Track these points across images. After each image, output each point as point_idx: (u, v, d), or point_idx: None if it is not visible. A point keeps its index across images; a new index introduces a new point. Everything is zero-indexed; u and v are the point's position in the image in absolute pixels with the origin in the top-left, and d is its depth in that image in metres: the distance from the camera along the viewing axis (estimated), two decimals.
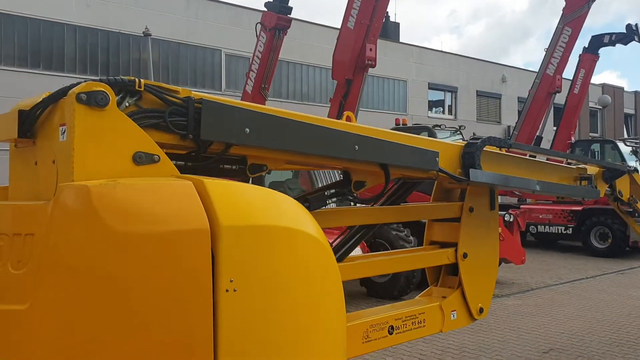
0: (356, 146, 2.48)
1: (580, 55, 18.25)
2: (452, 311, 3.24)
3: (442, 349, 6.43)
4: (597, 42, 17.90)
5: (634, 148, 16.56)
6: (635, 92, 41.14)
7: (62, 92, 1.80)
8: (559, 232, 15.52)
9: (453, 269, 3.37)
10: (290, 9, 15.09)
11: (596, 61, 18.18)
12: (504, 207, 12.95)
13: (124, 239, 1.54)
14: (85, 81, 1.80)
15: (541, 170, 3.72)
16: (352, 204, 3.21)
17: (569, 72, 18.32)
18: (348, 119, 2.73)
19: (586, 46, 18.19)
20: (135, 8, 20.05)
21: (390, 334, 2.88)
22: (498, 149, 3.35)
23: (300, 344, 1.80)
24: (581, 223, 15.01)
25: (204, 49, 21.99)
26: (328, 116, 12.90)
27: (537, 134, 17.03)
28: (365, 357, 5.84)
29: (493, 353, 6.40)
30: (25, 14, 18.17)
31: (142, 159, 1.80)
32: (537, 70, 17.54)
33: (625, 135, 36.54)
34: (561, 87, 16.68)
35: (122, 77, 1.86)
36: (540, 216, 15.73)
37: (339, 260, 2.81)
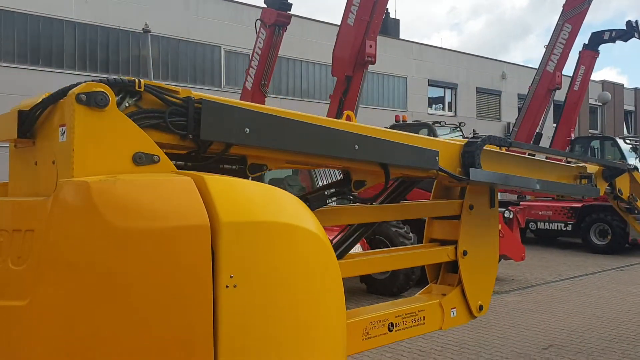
0: (356, 146, 2.48)
1: (580, 52, 18.25)
2: (451, 309, 3.24)
3: (441, 346, 6.44)
4: (597, 38, 17.89)
5: (633, 145, 16.56)
6: (635, 89, 41.12)
7: (62, 93, 1.80)
8: (559, 228, 15.53)
9: (453, 267, 3.37)
10: (290, 5, 15.08)
11: (596, 58, 18.18)
12: (504, 204, 12.95)
13: (124, 235, 1.54)
14: (85, 80, 1.80)
15: (541, 169, 3.72)
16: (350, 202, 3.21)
17: (569, 68, 18.35)
18: (348, 118, 2.73)
19: (586, 43, 18.19)
20: (134, 5, 20.03)
21: (390, 331, 2.88)
22: (498, 147, 3.35)
23: (300, 340, 1.80)
24: (581, 220, 15.03)
25: (204, 46, 21.96)
26: (328, 112, 12.94)
27: (537, 130, 17.05)
28: (364, 354, 5.86)
29: (493, 349, 6.41)
30: (25, 11, 18.15)
31: (142, 159, 1.80)
32: (537, 67, 17.54)
33: (625, 132, 36.55)
34: (561, 84, 16.69)
35: (121, 77, 1.86)
36: (540, 213, 15.74)
37: (339, 257, 2.81)
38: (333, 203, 2.87)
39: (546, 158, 4.32)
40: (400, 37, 29.54)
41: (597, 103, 31.17)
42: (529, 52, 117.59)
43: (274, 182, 9.09)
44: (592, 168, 4.25)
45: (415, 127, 14.27)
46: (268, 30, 14.91)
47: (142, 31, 18.39)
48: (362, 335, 2.74)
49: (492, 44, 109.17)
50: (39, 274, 1.57)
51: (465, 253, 3.29)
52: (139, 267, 1.54)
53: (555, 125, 19.39)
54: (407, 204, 3.40)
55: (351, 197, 2.90)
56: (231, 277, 1.62)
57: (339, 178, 3.07)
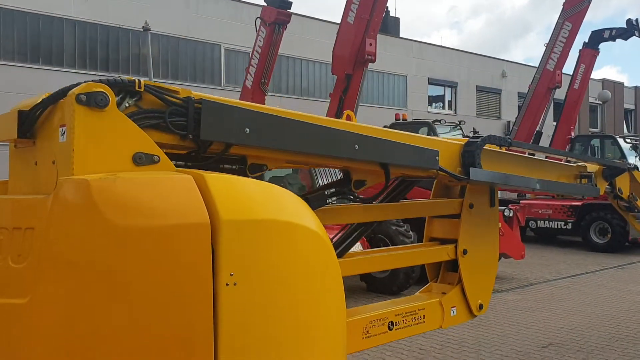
0: (356, 146, 2.48)
1: (580, 50, 18.23)
2: (451, 307, 3.24)
3: (441, 344, 6.45)
4: (598, 37, 17.88)
5: (633, 144, 16.56)
6: (636, 88, 41.09)
7: (62, 93, 1.80)
8: (559, 227, 15.55)
9: (453, 265, 3.37)
10: (290, 3, 15.06)
11: (596, 56, 18.17)
12: (504, 202, 12.95)
13: (124, 233, 1.54)
14: (85, 79, 1.80)
15: (541, 168, 3.72)
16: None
17: (569, 67, 18.33)
18: (348, 118, 2.73)
19: (586, 41, 18.18)
20: (134, 3, 20.01)
21: (390, 329, 2.88)
22: (498, 147, 3.35)
23: (300, 338, 1.80)
24: (581, 218, 15.03)
25: (204, 44, 21.94)
26: (328, 111, 12.94)
27: (537, 129, 17.04)
28: (364, 353, 5.86)
29: (492, 348, 6.42)
30: (25, 9, 18.12)
31: (142, 159, 1.80)
32: (537, 66, 17.53)
33: (625, 131, 36.55)
34: (561, 83, 16.68)
35: (121, 77, 1.86)
36: (540, 211, 15.75)
37: (339, 256, 2.81)
38: (333, 202, 2.87)
39: (546, 157, 4.31)
40: (400, 35, 29.52)
41: (597, 101, 31.15)
42: (529, 50, 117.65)
43: (273, 180, 9.08)
44: (592, 167, 4.25)
45: (415, 125, 14.27)
46: (268, 29, 14.91)
47: (142, 29, 18.36)
48: (362, 334, 2.74)
49: (492, 43, 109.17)
50: (39, 271, 1.57)
51: (465, 252, 3.29)
52: (139, 265, 1.54)
53: (555, 123, 19.40)
54: (407, 203, 3.40)
55: (351, 197, 2.91)
56: (231, 275, 1.62)
57: (339, 176, 3.07)
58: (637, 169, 4.86)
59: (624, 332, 7.13)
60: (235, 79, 21.47)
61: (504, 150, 3.42)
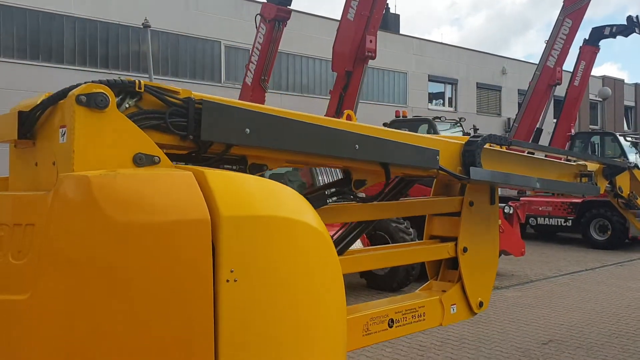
0: (357, 145, 2.48)
1: (580, 47, 18.22)
2: (452, 305, 3.24)
3: (441, 341, 6.46)
4: (598, 34, 17.86)
5: (633, 141, 16.56)
6: (636, 85, 41.06)
7: (62, 94, 1.80)
8: (559, 224, 15.57)
9: (453, 263, 3.37)
10: (290, 0, 15.04)
11: (597, 53, 18.16)
12: (504, 199, 12.96)
13: (124, 230, 1.54)
14: (85, 77, 1.80)
15: (541, 167, 3.72)
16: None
17: (569, 64, 18.32)
18: (348, 117, 2.73)
19: (587, 38, 18.17)
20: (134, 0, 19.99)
21: (390, 327, 2.88)
22: (498, 146, 3.35)
23: (300, 335, 1.80)
24: (581, 215, 15.05)
25: (204, 41, 21.91)
26: (328, 108, 12.94)
27: (537, 126, 17.05)
28: (365, 349, 5.87)
29: (492, 344, 6.43)
30: (24, 6, 18.08)
31: (142, 160, 1.79)
32: (537, 63, 17.51)
33: (626, 128, 36.56)
34: (561, 80, 16.68)
35: (122, 78, 1.86)
36: (540, 208, 15.76)
37: (340, 253, 2.81)
38: (333, 201, 2.87)
39: (546, 156, 4.31)
40: (401, 32, 29.49)
41: (597, 99, 31.13)
42: (529, 47, 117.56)
43: (274, 177, 9.07)
44: (592, 166, 4.25)
45: (416, 122, 14.28)
46: (268, 25, 14.88)
47: (142, 26, 18.34)
48: (362, 331, 2.75)
49: (492, 39, 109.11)
50: (39, 268, 1.57)
51: (465, 250, 3.29)
52: (139, 261, 1.54)
53: (555, 120, 19.39)
54: (407, 201, 3.41)
55: (352, 197, 2.91)
56: (232, 271, 1.62)
57: (339, 174, 3.08)
58: (638, 167, 4.86)
59: (624, 329, 7.14)
60: (235, 76, 21.44)
61: (504, 149, 3.42)
